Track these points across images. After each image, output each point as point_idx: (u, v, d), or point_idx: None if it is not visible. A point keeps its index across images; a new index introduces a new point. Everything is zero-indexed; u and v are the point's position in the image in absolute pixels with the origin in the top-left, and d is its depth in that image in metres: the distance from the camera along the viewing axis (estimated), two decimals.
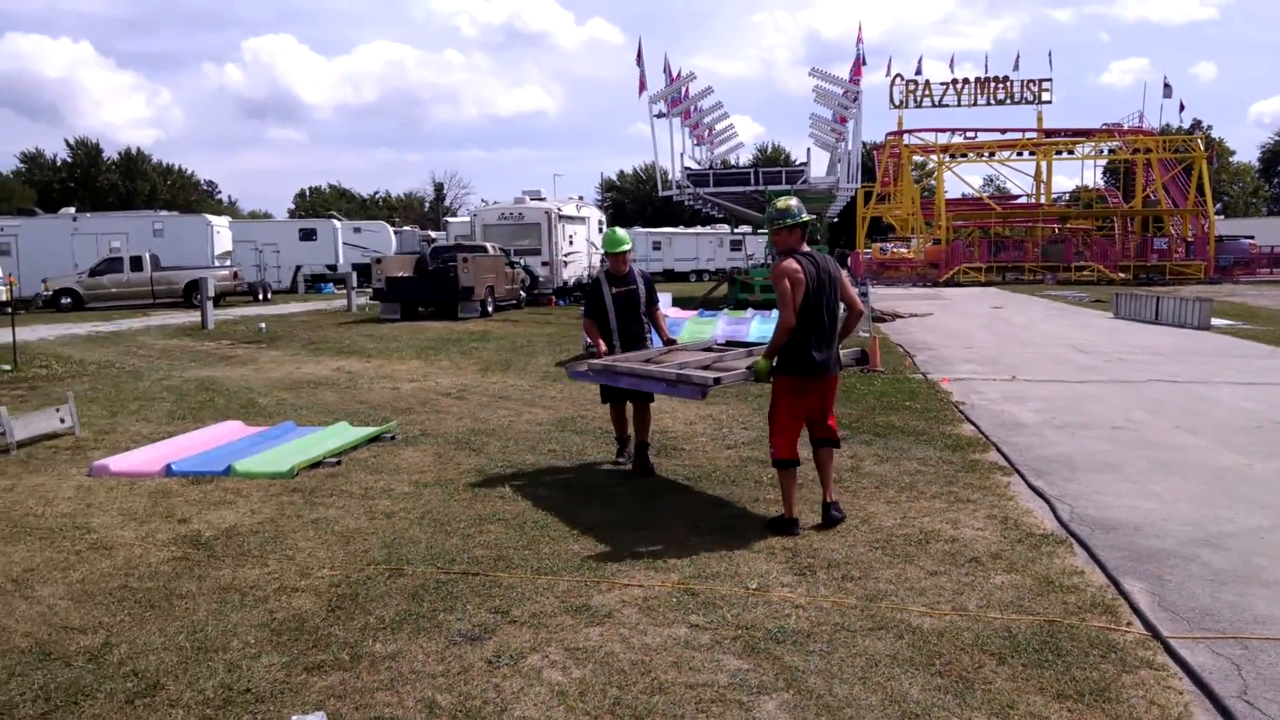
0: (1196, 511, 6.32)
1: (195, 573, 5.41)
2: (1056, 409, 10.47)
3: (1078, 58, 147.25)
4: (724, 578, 5.17)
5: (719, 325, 16.50)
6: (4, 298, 26.09)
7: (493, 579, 5.21)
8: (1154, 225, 52.19)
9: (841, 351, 6.29)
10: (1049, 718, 3.59)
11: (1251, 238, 51.41)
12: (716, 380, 6.01)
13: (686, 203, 27.16)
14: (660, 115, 24.39)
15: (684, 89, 27.00)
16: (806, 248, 6.00)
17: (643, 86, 24.68)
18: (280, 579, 5.27)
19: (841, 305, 6.10)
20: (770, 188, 23.97)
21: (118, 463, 7.94)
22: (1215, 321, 21.57)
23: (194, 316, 22.97)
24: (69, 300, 30.56)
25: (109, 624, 4.69)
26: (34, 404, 11.04)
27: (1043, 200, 57.37)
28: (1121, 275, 45.99)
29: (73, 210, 40.15)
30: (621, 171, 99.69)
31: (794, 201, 6.09)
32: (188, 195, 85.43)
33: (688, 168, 25.36)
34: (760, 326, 17.06)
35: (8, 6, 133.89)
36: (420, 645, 4.35)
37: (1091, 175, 67.43)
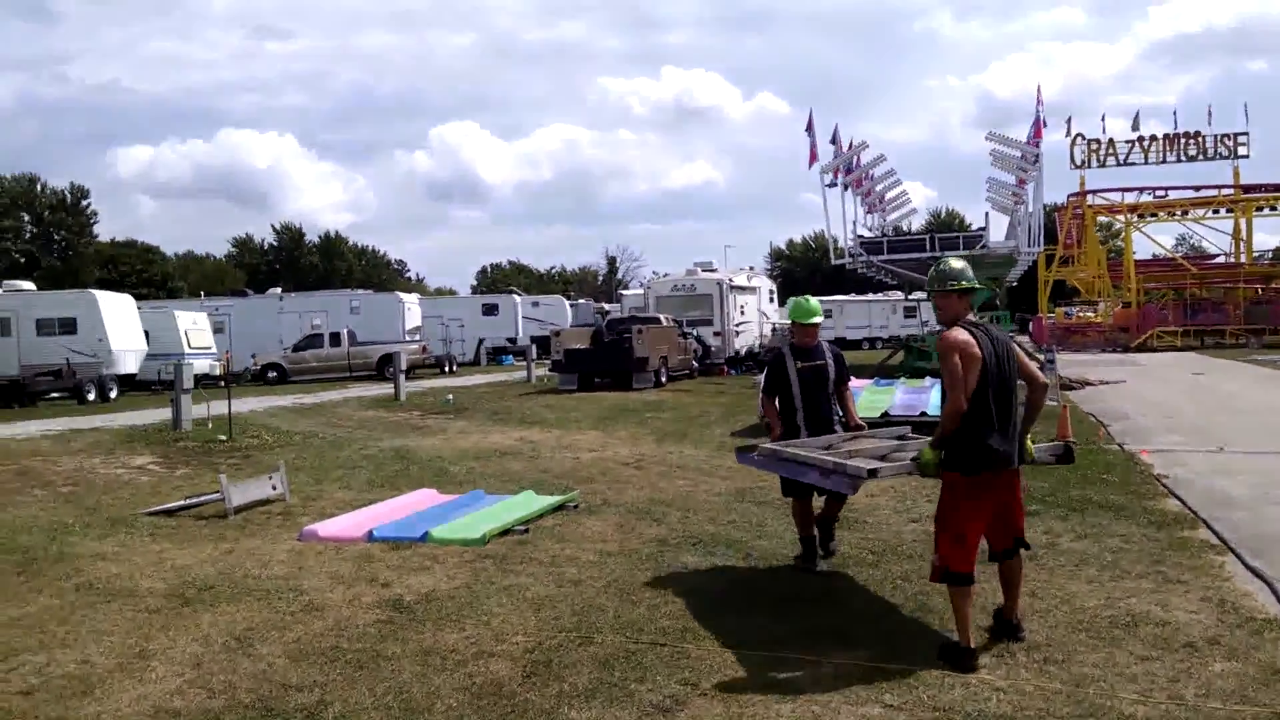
0: None
1: (399, 635, 5.68)
2: (1274, 483, 9.74)
3: (1273, 109, 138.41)
4: (917, 656, 5.04)
5: (896, 394, 16.16)
6: (218, 373, 28.39)
7: (680, 650, 5.25)
8: None
9: (1037, 446, 5.50)
10: None
11: None
12: (872, 473, 5.35)
13: (860, 270, 26.92)
14: (832, 185, 24.43)
15: (855, 158, 26.98)
16: (974, 316, 5.26)
17: (814, 157, 24.84)
18: (478, 644, 5.48)
19: (1021, 383, 5.22)
20: (946, 253, 23.47)
21: (325, 528, 8.45)
22: None
23: (387, 389, 24.24)
24: (275, 374, 32.81)
25: (323, 683, 4.98)
26: (248, 472, 11.88)
27: (1243, 259, 53.84)
28: None
29: (279, 290, 43.35)
30: (790, 240, 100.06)
31: (963, 264, 5.37)
32: (380, 274, 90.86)
33: (860, 235, 25.20)
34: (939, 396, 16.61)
35: (222, 104, 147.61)
36: (614, 714, 4.43)
37: None
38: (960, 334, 5.00)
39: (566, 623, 5.80)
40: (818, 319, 7.00)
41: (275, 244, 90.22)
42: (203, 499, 9.90)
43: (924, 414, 13.66)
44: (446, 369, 35.89)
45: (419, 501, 9.64)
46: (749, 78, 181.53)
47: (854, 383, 18.95)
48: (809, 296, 7.05)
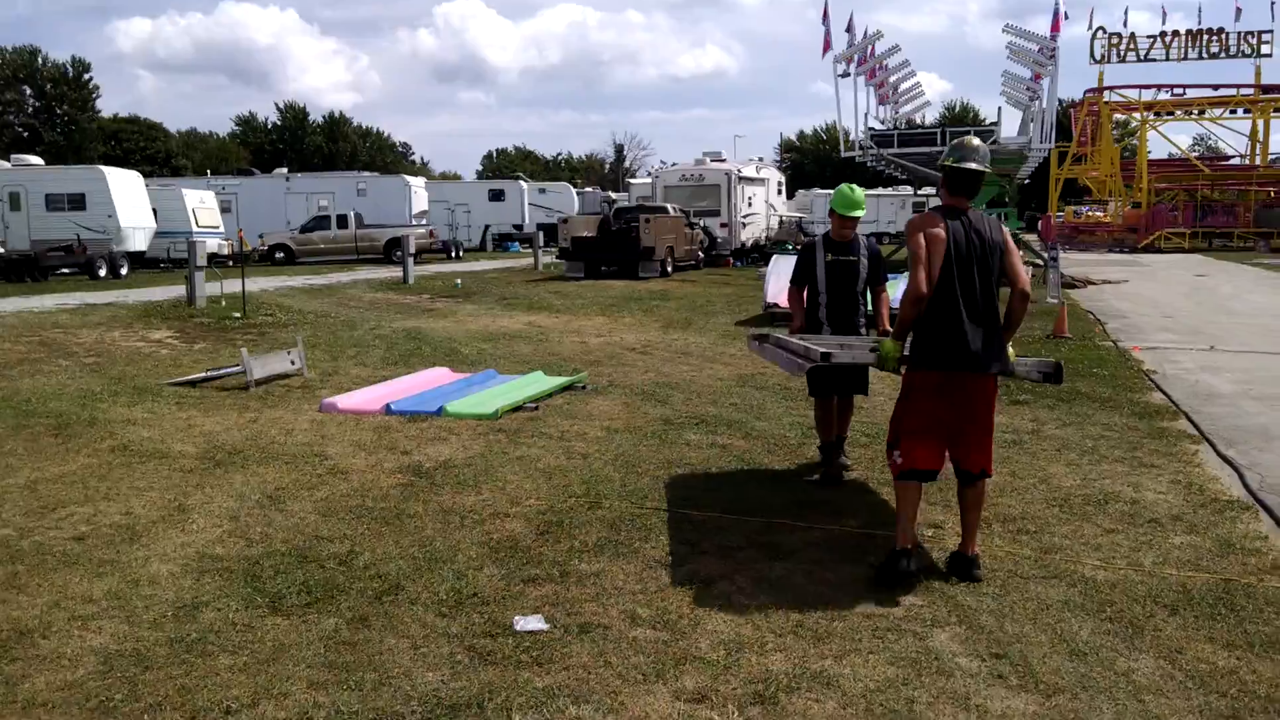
0: None
1: (420, 497, 6.09)
2: (1257, 380, 10.09)
3: None
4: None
5: (899, 287, 16.40)
6: (226, 252, 28.58)
7: (682, 515, 5.66)
8: None
9: (1027, 359, 5.21)
10: (1217, 664, 3.75)
11: None
12: (825, 357, 4.95)
13: (869, 164, 26.83)
14: (845, 75, 24.17)
15: (870, 47, 26.58)
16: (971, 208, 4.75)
17: (827, 46, 24.50)
18: (493, 506, 5.89)
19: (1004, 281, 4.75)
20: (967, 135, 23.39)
21: (344, 401, 8.83)
22: None
23: (396, 272, 24.47)
24: (282, 255, 32.99)
25: (352, 536, 5.40)
26: (264, 347, 12.23)
27: (1258, 162, 53.25)
28: None
29: (285, 171, 43.16)
30: (801, 132, 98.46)
31: (978, 142, 4.83)
32: (385, 157, 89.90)
33: (871, 128, 25.07)
34: None
35: None
36: (620, 567, 4.85)
37: None
38: (929, 215, 4.71)
39: (576, 489, 6.20)
40: (859, 212, 6.37)
41: (279, 123, 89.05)
42: (225, 371, 10.28)
43: None
44: (453, 254, 36.01)
45: (433, 379, 10.02)
46: None
47: None
48: (854, 186, 6.45)
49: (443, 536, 5.34)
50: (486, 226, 44.29)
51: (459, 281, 22.14)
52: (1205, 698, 3.50)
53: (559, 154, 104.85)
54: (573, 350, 12.43)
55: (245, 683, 3.66)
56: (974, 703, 3.49)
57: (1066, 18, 23.55)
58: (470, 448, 7.32)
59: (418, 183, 39.71)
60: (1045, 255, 22.52)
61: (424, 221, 37.26)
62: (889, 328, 6.07)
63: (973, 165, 4.69)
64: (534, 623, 4.16)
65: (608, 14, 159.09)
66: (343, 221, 33.64)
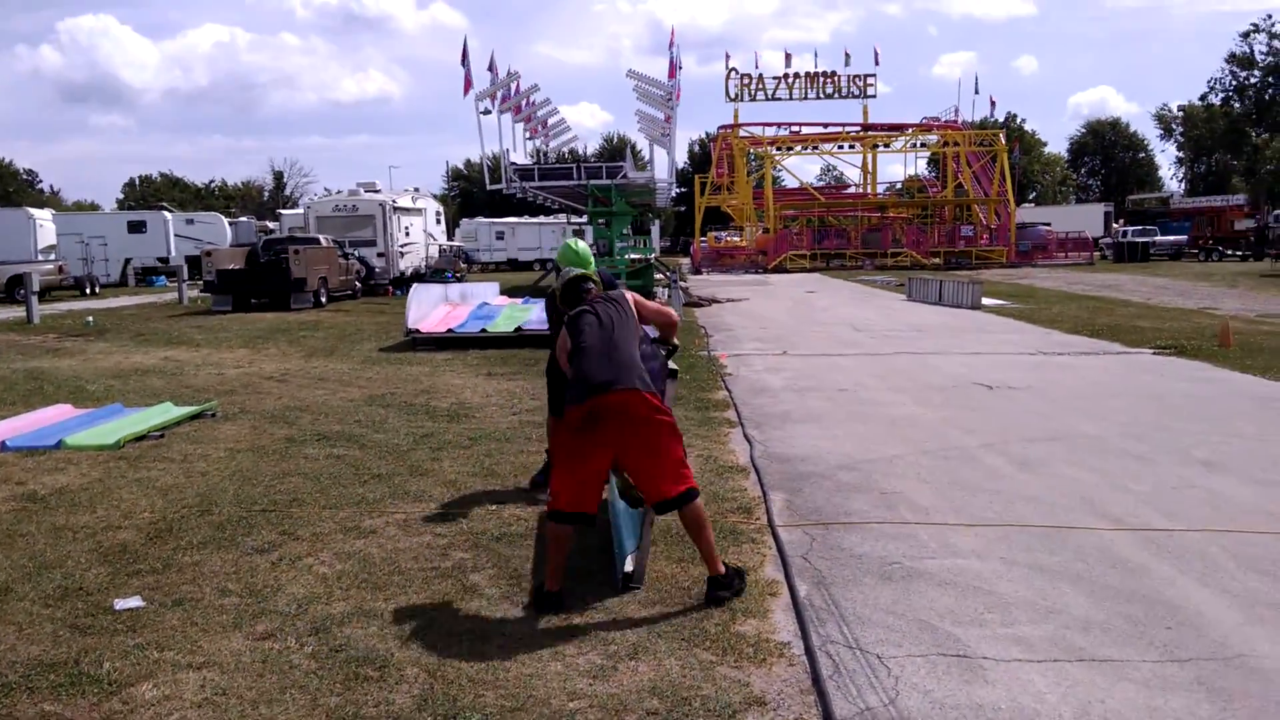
0: (856, 447, 8.14)
1: (34, 519, 6.50)
2: (803, 377, 12.35)
3: (911, 50, 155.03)
4: (475, 504, 6.62)
5: (533, 312, 17.86)
6: None
7: (285, 513, 6.52)
8: (965, 213, 56.49)
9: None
10: (670, 572, 5.20)
11: (1049, 224, 56.14)
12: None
13: (516, 195, 28.45)
14: (486, 112, 25.57)
15: (514, 85, 28.20)
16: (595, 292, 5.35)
17: (468, 85, 25.78)
18: (108, 521, 6.43)
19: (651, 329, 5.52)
20: (592, 182, 25.55)
21: None
22: (987, 301, 24.33)
23: (18, 312, 22.95)
24: None
25: None
26: None
27: (867, 190, 61.21)
28: (934, 261, 49.71)
29: None
30: (468, 160, 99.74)
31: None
32: (5, 185, 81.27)
33: (513, 162, 26.63)
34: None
35: None
36: (219, 556, 5.65)
37: (914, 167, 72.22)
38: (561, 338, 5.28)
39: (190, 501, 6.86)
40: (590, 267, 5.99)
41: None
42: None
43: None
44: (88, 290, 33.81)
45: (54, 415, 10.07)
46: None
47: (503, 299, 20.42)
48: (577, 241, 6.33)
49: (54, 548, 5.85)
50: (127, 260, 41.76)
51: (90, 319, 21.21)
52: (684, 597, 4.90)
53: (212, 181, 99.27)
54: (208, 382, 12.71)
55: None
56: (497, 616, 4.68)
57: (680, 67, 26.27)
58: (89, 475, 7.70)
59: (43, 215, 36.93)
60: (670, 277, 25.12)
61: (52, 256, 34.67)
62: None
63: (573, 273, 5.47)
64: (133, 602, 4.90)
65: (260, 35, 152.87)
66: None
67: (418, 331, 16.06)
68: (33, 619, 4.73)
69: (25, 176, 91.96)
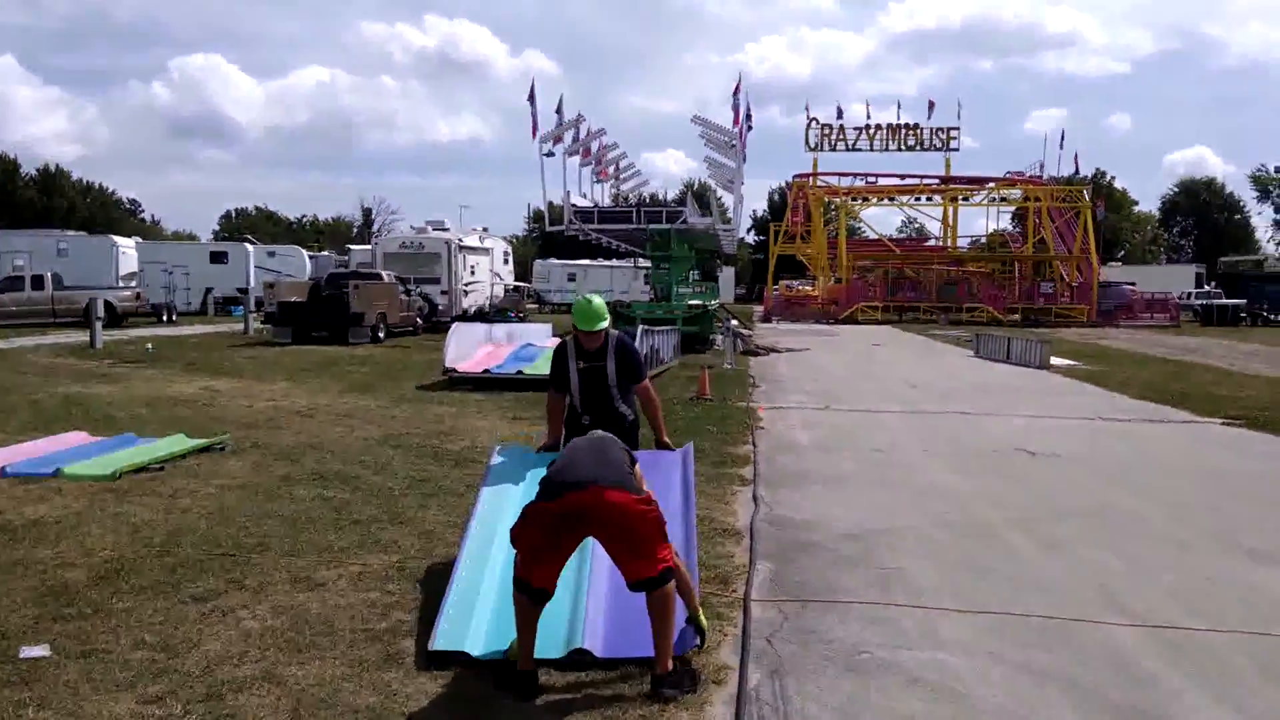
0: (869, 516, 7.58)
1: None
2: (838, 434, 11.78)
3: (1000, 106, 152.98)
4: (441, 558, 6.24)
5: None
6: None
7: (244, 558, 6.22)
8: (1046, 270, 55.00)
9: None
10: None
11: (1133, 284, 54.29)
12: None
13: (579, 237, 28.41)
14: (549, 154, 25.58)
15: (582, 129, 28.23)
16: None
17: (535, 127, 25.86)
18: (63, 558, 6.22)
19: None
20: (651, 226, 25.35)
21: None
22: (1057, 361, 23.37)
23: (88, 336, 23.50)
24: None
25: None
26: None
27: (947, 244, 60.04)
28: (1012, 317, 48.39)
29: None
30: (551, 203, 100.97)
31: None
32: (108, 214, 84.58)
33: (574, 204, 26.60)
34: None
35: None
36: (153, 604, 5.36)
37: (997, 222, 70.84)
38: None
39: (156, 540, 6.62)
40: (600, 326, 5.91)
41: None
42: None
43: None
44: (164, 317, 34.69)
45: (66, 443, 10.01)
46: (516, 34, 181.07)
47: (547, 341, 20.08)
48: (592, 298, 6.04)
49: None
50: (208, 289, 42.84)
51: (150, 346, 21.58)
52: None
53: (303, 216, 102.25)
54: (235, 414, 12.64)
55: None
56: (408, 691, 4.28)
57: (750, 117, 26.02)
58: (71, 506, 7.54)
59: (126, 243, 38.09)
60: (724, 326, 24.70)
61: (134, 284, 35.70)
62: (666, 439, 6.42)
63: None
64: (38, 651, 4.62)
65: (360, 78, 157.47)
66: (38, 283, 31.74)
67: (455, 370, 15.89)
68: None
69: (128, 206, 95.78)
